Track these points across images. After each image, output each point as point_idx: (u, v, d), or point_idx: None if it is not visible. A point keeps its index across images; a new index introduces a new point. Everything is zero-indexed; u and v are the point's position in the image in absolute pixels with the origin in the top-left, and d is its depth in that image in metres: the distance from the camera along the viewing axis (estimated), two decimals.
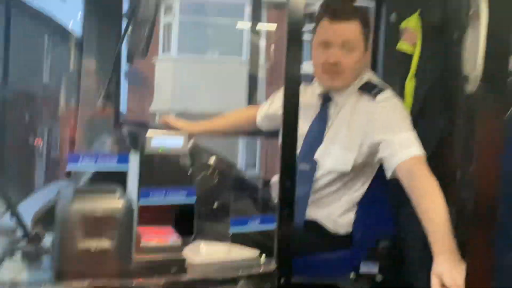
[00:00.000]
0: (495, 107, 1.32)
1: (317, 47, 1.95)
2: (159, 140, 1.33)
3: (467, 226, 1.38)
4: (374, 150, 1.87)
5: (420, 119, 1.99)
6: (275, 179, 2.11)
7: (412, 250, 1.98)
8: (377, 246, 2.03)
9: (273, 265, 1.42)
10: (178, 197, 1.28)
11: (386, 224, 2.02)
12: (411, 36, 2.08)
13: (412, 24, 2.10)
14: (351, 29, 1.90)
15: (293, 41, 1.39)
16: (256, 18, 3.20)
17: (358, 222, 2.00)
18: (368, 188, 1.99)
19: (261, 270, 1.43)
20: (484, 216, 1.31)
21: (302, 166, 2.00)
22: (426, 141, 1.83)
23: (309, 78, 2.09)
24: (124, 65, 2.85)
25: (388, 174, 1.83)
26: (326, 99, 2.01)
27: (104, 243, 1.22)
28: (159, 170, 1.33)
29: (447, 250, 1.55)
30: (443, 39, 2.03)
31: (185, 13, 13.21)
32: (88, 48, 2.61)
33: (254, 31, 3.09)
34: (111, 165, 1.20)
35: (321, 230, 1.99)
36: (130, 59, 2.71)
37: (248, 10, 10.80)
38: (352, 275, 1.95)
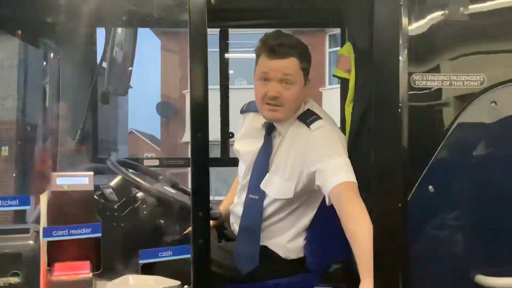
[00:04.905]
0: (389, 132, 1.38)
1: (258, 80, 1.99)
2: (64, 179, 1.41)
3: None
4: (312, 178, 1.90)
5: (356, 144, 2.01)
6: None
7: None
8: (331, 270, 2.05)
9: None
10: (83, 234, 1.36)
11: (339, 248, 2.02)
12: (345, 63, 2.10)
13: (345, 51, 2.12)
14: (288, 65, 1.92)
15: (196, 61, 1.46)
16: None
17: (309, 246, 2.02)
18: (316, 213, 2.01)
19: None
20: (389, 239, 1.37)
21: (251, 195, 2.05)
22: (363, 165, 1.83)
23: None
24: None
25: (327, 201, 1.85)
26: (269, 128, 2.05)
27: (12, 279, 1.32)
28: (67, 207, 1.41)
29: (372, 274, 1.56)
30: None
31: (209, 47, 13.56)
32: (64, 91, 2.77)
33: None
34: (13, 207, 1.29)
35: (273, 255, 2.02)
36: (105, 100, 2.85)
37: None
38: None
